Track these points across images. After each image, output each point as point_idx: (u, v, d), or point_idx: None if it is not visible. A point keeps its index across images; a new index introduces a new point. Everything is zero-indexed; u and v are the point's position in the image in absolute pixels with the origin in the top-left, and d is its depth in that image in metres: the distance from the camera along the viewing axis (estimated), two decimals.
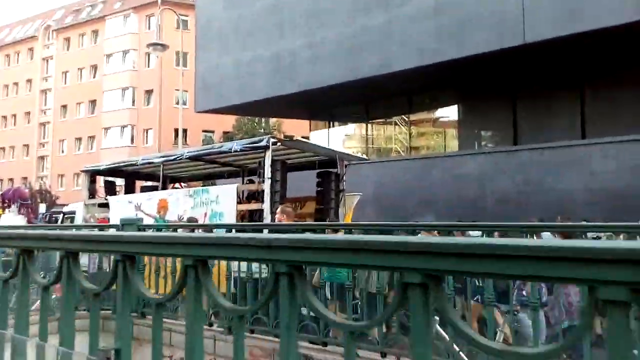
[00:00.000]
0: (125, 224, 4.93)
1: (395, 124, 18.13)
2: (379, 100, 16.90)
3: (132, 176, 13.83)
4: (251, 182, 10.99)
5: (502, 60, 12.37)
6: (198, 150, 11.76)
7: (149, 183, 14.67)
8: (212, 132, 37.29)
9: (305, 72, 15.66)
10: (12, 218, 18.87)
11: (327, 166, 10.94)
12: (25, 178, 45.68)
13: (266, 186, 8.92)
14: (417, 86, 15.32)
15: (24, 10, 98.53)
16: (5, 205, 20.44)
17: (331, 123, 19.69)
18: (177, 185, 15.08)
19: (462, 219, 9.94)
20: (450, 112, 16.62)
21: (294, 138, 10.15)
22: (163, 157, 11.80)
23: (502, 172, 12.64)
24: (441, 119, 17.27)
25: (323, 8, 15.25)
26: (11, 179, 45.87)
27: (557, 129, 12.87)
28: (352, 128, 20.24)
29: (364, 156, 17.66)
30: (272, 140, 9.11)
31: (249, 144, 9.90)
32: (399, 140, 17.82)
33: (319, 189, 10.49)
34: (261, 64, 16.87)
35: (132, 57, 38.92)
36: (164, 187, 14.52)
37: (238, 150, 9.67)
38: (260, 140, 9.36)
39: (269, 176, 8.86)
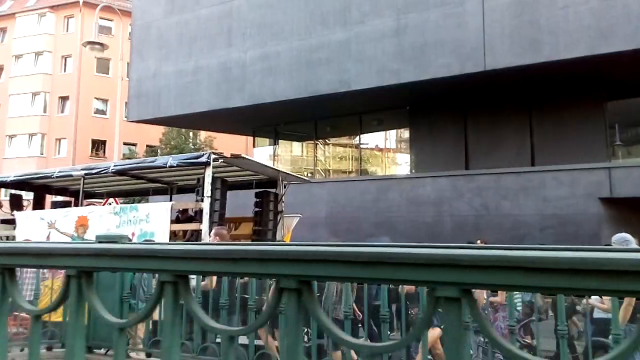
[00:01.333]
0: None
1: (346, 145, 18.12)
2: (329, 118, 16.76)
3: (41, 190, 12.83)
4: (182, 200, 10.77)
5: (458, 84, 12.72)
6: (127, 164, 11.12)
7: (61, 198, 13.65)
8: (135, 144, 35.25)
9: (255, 84, 15.11)
10: None
11: (267, 186, 10.73)
12: None
13: (205, 205, 8.58)
14: (370, 106, 15.37)
15: None
16: None
17: (276, 140, 19.27)
18: (92, 201, 14.10)
19: (419, 241, 9.90)
20: (400, 134, 16.86)
21: (241, 155, 10.01)
22: (85, 169, 10.88)
23: (460, 195, 12.87)
24: (389, 141, 17.49)
25: (277, 19, 14.91)
26: None
27: (508, 154, 13.40)
28: (299, 147, 19.94)
29: (313, 176, 17.61)
30: (213, 156, 8.78)
31: (187, 159, 9.57)
32: (349, 161, 17.76)
33: (257, 209, 10.28)
34: (206, 74, 16.09)
35: (46, 59, 35.95)
36: (78, 203, 13.55)
37: (174, 165, 9.27)
38: (200, 156, 9.00)
39: (209, 194, 8.57)
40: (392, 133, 17.24)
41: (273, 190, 10.59)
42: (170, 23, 17.04)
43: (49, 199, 14.17)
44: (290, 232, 10.76)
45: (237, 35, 15.68)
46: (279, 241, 9.98)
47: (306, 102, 14.49)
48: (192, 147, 29.56)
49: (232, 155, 9.82)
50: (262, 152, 19.82)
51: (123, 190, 13.63)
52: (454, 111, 14.37)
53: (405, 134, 16.46)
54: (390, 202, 13.91)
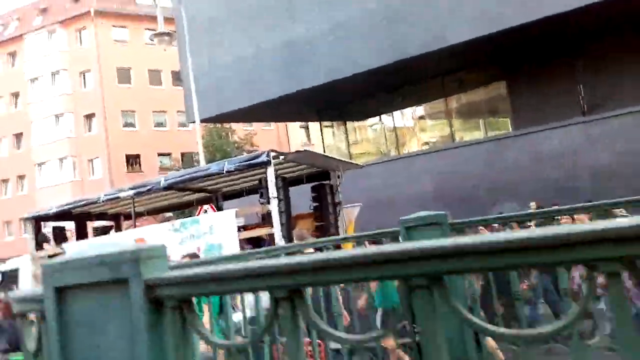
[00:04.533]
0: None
1: (431, 114, 17.26)
2: (403, 87, 15.84)
3: (82, 217, 12.68)
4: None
5: (573, 18, 11.78)
6: (180, 176, 10.53)
7: (99, 223, 13.57)
8: (169, 154, 34.91)
9: (327, 60, 14.30)
10: None
11: (319, 178, 10.56)
12: None
13: (274, 207, 8.40)
14: (458, 64, 14.52)
15: None
16: None
17: (344, 121, 18.47)
18: (131, 223, 13.74)
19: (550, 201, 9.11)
20: (491, 90, 15.92)
21: (305, 149, 9.73)
22: (134, 189, 10.47)
23: (592, 143, 11.99)
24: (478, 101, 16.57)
25: None
26: None
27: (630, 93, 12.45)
28: (368, 125, 19.18)
29: (397, 151, 16.87)
30: (272, 154, 8.60)
31: (245, 161, 9.17)
32: (441, 127, 16.91)
33: (315, 203, 10.16)
34: (269, 58, 15.35)
35: (63, 78, 35.66)
36: (118, 227, 13.24)
37: (232, 170, 9.11)
38: (259, 156, 8.83)
39: (275, 195, 8.39)
40: (479, 92, 16.29)
41: (327, 182, 10.41)
42: (221, 9, 16.35)
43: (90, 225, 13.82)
44: (352, 223, 10.49)
45: (300, 9, 14.91)
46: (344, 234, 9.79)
47: (387, 70, 13.64)
48: (235, 146, 28.93)
49: (296, 151, 9.61)
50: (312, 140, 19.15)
51: (162, 206, 13.39)
52: (562, 56, 13.39)
53: (494, 91, 15.59)
54: (506, 163, 13.10)
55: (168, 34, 13.50)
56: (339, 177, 10.58)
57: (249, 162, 8.92)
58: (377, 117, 18.38)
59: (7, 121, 37.77)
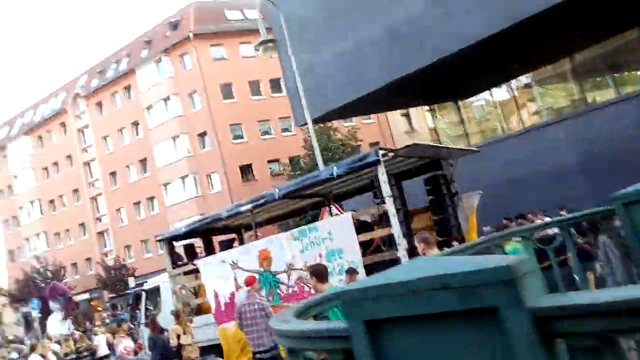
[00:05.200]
0: None
1: (556, 79, 15.90)
2: (526, 49, 14.43)
3: (207, 233, 13.18)
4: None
5: None
6: (293, 186, 10.61)
7: (223, 237, 13.90)
8: (277, 160, 36.43)
9: (436, 36, 13.54)
10: (56, 316, 18.11)
11: (428, 169, 10.12)
12: (88, 259, 45.90)
13: (390, 206, 8.19)
14: (581, 16, 12.98)
15: (43, 88, 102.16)
16: (42, 305, 19.81)
17: (456, 102, 17.57)
18: (252, 234, 14.23)
19: None
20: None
21: (415, 143, 9.34)
22: (251, 202, 10.75)
23: None
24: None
25: None
26: (74, 264, 46.08)
27: None
28: (483, 103, 18.01)
29: (522, 123, 15.77)
30: (381, 152, 8.41)
31: (353, 163, 9.00)
32: (567, 92, 15.60)
33: (431, 197, 9.75)
34: (371, 46, 14.97)
35: (174, 102, 38.66)
36: (241, 239, 13.79)
37: (342, 174, 9.02)
38: (367, 156, 8.67)
39: (390, 194, 8.19)
40: (608, 43, 14.61)
41: (440, 172, 9.97)
42: (316, 8, 16.29)
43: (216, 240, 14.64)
44: (474, 213, 9.84)
45: None
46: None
47: (499, 37, 12.66)
48: (341, 144, 29.41)
49: (406, 146, 9.29)
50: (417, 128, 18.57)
51: (282, 214, 13.69)
52: None
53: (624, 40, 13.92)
54: None
55: (272, 41, 13.74)
56: (451, 165, 10.16)
57: (358, 163, 8.83)
58: (488, 92, 17.38)
59: (132, 149, 41.70)
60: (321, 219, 12.58)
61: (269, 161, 36.90)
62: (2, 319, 60.29)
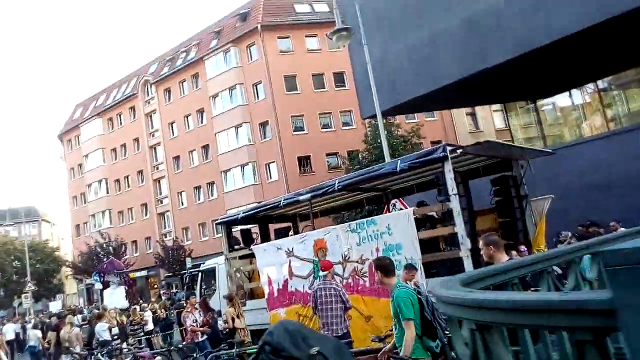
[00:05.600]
0: None
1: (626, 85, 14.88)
2: (618, 45, 13.41)
3: (264, 220, 13.39)
4: (422, 204, 10.18)
5: None
6: (353, 177, 10.52)
7: (279, 225, 14.20)
8: (336, 153, 36.41)
9: (519, 29, 12.86)
10: (113, 291, 19.10)
11: (497, 170, 9.81)
12: (148, 238, 47.72)
13: (455, 204, 8.02)
14: None
15: (115, 73, 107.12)
16: (103, 278, 20.79)
17: (534, 101, 16.68)
18: (307, 223, 14.19)
19: None
20: None
21: (488, 140, 8.87)
22: (310, 192, 10.79)
23: None
24: None
25: None
26: (134, 242, 48.08)
27: None
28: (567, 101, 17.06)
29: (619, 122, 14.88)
30: (448, 148, 8.18)
31: (419, 158, 8.83)
32: None
33: (497, 198, 9.47)
34: (446, 39, 14.49)
35: (239, 92, 39.42)
36: (296, 228, 13.74)
37: (406, 168, 8.88)
38: (434, 151, 8.45)
39: (455, 192, 8.01)
40: None
41: (509, 173, 9.69)
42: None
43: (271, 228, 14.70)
44: (543, 218, 9.32)
45: None
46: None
47: (592, 32, 11.82)
48: (402, 140, 28.98)
49: (476, 143, 8.85)
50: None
51: (333, 207, 13.64)
52: None
53: None
54: None
55: (346, 29, 13.46)
56: (522, 167, 9.77)
57: (423, 158, 8.60)
58: (567, 93, 16.53)
59: (196, 135, 42.90)
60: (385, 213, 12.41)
61: (327, 154, 36.96)
62: (65, 288, 63.92)
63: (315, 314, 7.98)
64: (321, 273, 8.20)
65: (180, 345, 9.78)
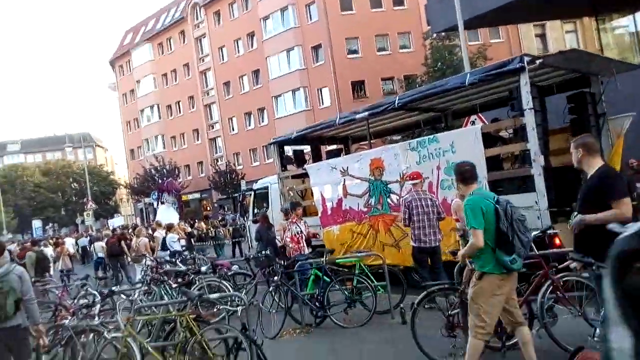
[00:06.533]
0: None
1: None
2: None
3: (316, 141, 13.49)
4: (495, 120, 9.86)
5: None
6: (414, 94, 10.16)
7: (330, 147, 14.19)
8: (391, 78, 35.31)
9: None
10: (167, 209, 20.04)
11: (575, 86, 9.28)
12: (200, 162, 48.96)
13: (529, 119, 7.67)
14: None
15: None
16: (161, 197, 21.80)
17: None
18: (362, 144, 13.86)
19: None
20: None
21: (574, 49, 8.10)
22: (368, 110, 10.63)
23: None
24: None
25: None
26: (187, 166, 49.50)
27: None
28: None
29: None
30: (526, 58, 7.68)
31: (492, 70, 8.37)
32: None
33: (572, 116, 8.97)
34: None
35: (291, 13, 38.34)
36: (348, 151, 13.65)
37: (476, 81, 8.47)
38: (509, 63, 7.95)
39: (531, 106, 7.62)
40: None
41: (588, 89, 9.13)
42: None
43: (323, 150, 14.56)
44: (621, 138, 8.80)
45: None
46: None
47: None
48: (460, 63, 27.59)
49: (559, 51, 8.22)
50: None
51: (389, 128, 13.39)
52: None
53: None
54: None
55: None
56: (602, 83, 9.19)
57: (497, 70, 8.20)
58: None
59: (245, 60, 42.63)
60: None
61: (382, 79, 36.02)
62: (120, 210, 67.49)
63: (407, 225, 8.00)
64: (410, 182, 8.12)
65: (259, 255, 9.92)
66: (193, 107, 49.22)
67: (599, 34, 16.92)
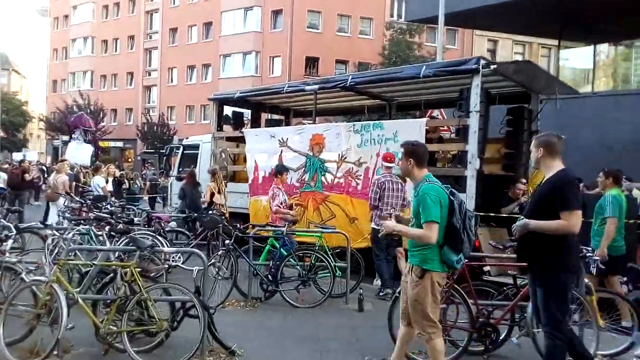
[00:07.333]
0: None
1: None
2: None
3: (258, 107, 13.40)
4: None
5: None
6: (368, 75, 10.63)
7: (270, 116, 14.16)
8: (346, 62, 35.60)
9: None
10: (78, 146, 19.13)
11: (516, 101, 10.03)
12: (129, 109, 47.30)
13: (473, 121, 8.09)
14: None
15: None
16: (70, 131, 20.83)
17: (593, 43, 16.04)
18: (303, 120, 14.07)
19: None
20: None
21: (528, 61, 8.66)
22: (318, 84, 10.76)
23: None
24: None
25: None
26: (114, 110, 47.57)
27: None
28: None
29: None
30: (482, 61, 8.07)
31: (448, 66, 8.78)
32: None
33: (508, 128, 9.61)
34: None
35: None
36: (288, 122, 13.74)
37: (430, 75, 8.78)
38: (466, 62, 8.34)
39: (477, 109, 8.04)
40: None
41: (527, 105, 9.89)
42: None
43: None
44: None
45: None
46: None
47: None
48: (422, 60, 28.44)
49: (514, 61, 8.75)
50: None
51: (333, 108, 13.58)
52: None
53: None
54: None
55: None
56: (541, 102, 9.95)
57: (453, 67, 8.54)
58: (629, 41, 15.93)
59: (198, 9, 41.26)
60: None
61: (337, 60, 36.16)
62: (29, 145, 63.81)
63: (375, 206, 7.86)
64: (386, 164, 8.12)
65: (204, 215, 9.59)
66: (131, 48, 47.18)
67: (558, 59, 18.01)
